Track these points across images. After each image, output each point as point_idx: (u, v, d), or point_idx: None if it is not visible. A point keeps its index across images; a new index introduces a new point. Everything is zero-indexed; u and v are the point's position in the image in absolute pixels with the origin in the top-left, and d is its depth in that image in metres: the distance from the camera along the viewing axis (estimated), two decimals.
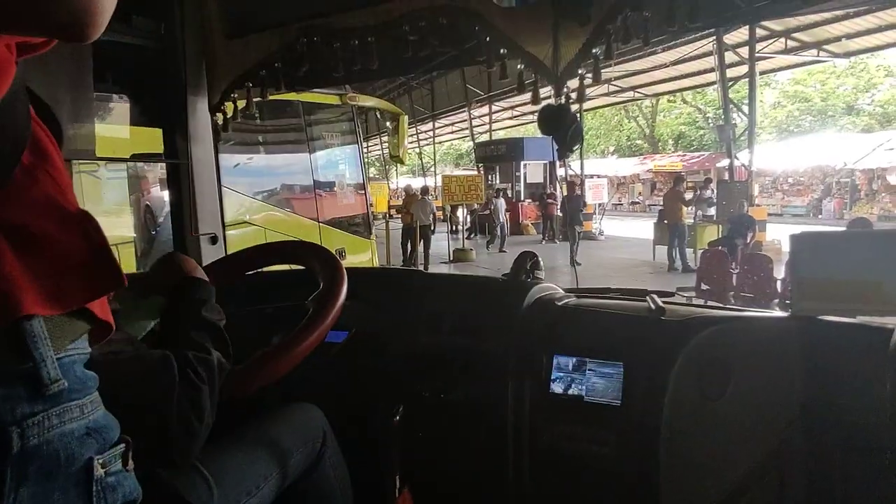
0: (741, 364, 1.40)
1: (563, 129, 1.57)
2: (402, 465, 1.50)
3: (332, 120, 6.69)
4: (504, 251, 15.75)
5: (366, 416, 1.56)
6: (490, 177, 22.62)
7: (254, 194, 5.60)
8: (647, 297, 1.57)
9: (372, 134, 20.37)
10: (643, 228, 12.89)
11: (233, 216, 5.17)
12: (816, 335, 1.41)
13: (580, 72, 1.56)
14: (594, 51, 1.53)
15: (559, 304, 1.65)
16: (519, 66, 1.64)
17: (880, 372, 1.30)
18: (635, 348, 1.43)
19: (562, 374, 1.49)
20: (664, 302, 1.56)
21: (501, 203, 17.71)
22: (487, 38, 1.65)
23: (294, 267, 1.57)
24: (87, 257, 0.64)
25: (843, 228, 8.14)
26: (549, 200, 18.32)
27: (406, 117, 7.88)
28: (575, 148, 1.62)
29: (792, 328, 1.44)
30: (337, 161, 6.89)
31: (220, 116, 2.08)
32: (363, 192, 7.44)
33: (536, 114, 1.65)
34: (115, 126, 3.19)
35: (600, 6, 1.48)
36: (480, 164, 23.13)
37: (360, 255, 6.94)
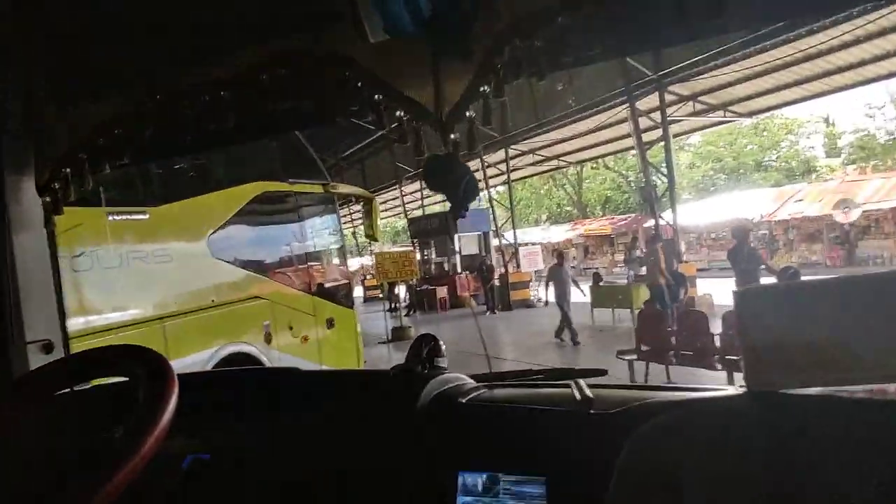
0: (695, 464, 1.10)
1: (454, 182, 1.30)
2: None
3: (317, 205, 7.54)
4: (578, 343, 11.25)
5: None
6: (426, 251, 22.54)
7: (262, 273, 6.32)
8: (572, 384, 1.28)
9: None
10: (580, 292, 12.85)
11: (246, 292, 5.94)
12: (780, 416, 1.13)
13: (469, 114, 1.31)
14: (482, 89, 1.29)
15: (464, 400, 1.34)
16: (398, 114, 1.38)
17: (863, 456, 1.02)
18: (560, 455, 1.14)
19: (470, 499, 1.15)
20: (593, 385, 1.27)
21: (566, 272, 12.15)
22: (359, 84, 1.39)
23: None
24: None
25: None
26: (487, 272, 18.28)
27: (377, 200, 8.79)
28: (470, 204, 1.34)
29: (750, 410, 1.16)
30: (323, 242, 7.68)
31: (52, 197, 1.72)
32: (345, 267, 8.34)
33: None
34: None
35: (483, 37, 1.25)
36: (415, 240, 23.06)
37: (348, 324, 7.62)
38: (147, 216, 4.89)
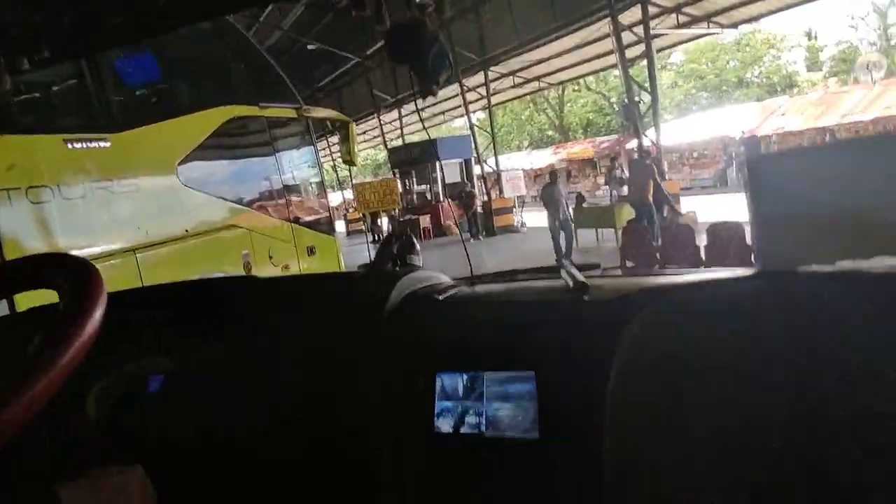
0: (705, 351, 0.97)
1: (421, 52, 1.13)
2: None
3: (291, 130, 7.32)
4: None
5: None
6: (407, 181, 22.23)
7: (237, 201, 6.13)
8: (562, 272, 1.15)
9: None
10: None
11: (222, 222, 5.75)
12: (798, 296, 1.00)
13: None
14: None
15: (441, 297, 1.21)
16: None
17: (890, 333, 0.91)
18: (552, 347, 1.00)
19: (449, 404, 1.03)
20: (588, 276, 1.14)
21: (560, 191, 11.77)
22: None
23: None
24: None
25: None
26: (469, 195, 18.16)
27: (353, 124, 8.42)
28: (442, 79, 1.18)
29: (765, 290, 1.04)
30: (299, 167, 7.50)
31: None
32: (323, 194, 8.16)
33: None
34: None
35: None
36: (396, 170, 22.70)
37: (328, 251, 7.56)
38: (108, 143, 4.63)
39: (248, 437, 1.12)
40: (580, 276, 1.09)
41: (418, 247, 1.35)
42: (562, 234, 11.39)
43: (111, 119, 4.85)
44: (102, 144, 4.60)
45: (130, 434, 1.19)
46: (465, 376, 1.03)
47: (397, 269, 1.31)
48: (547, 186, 12.02)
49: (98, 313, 0.85)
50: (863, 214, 0.94)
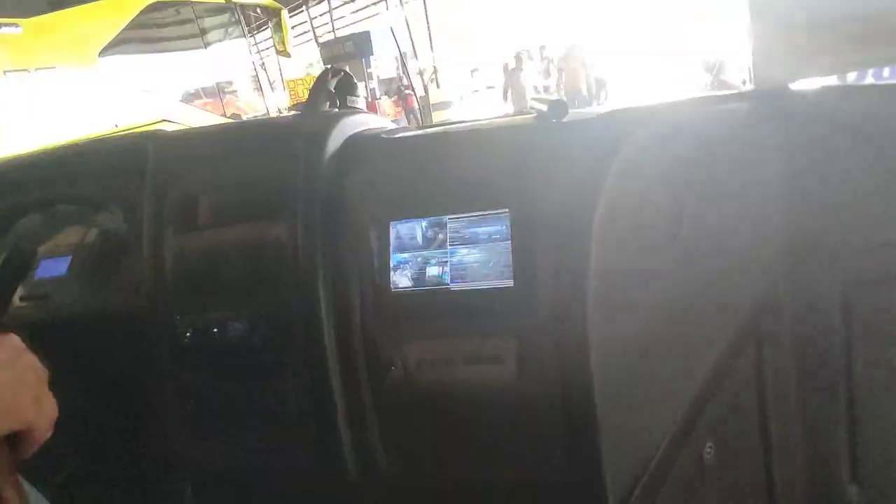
0: (700, 165, 0.92)
1: None
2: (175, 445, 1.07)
3: (220, 21, 7.15)
4: None
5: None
6: None
7: (168, 95, 5.92)
8: (534, 102, 1.07)
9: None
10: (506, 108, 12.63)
11: (154, 115, 5.46)
12: (792, 113, 0.95)
13: None
14: None
15: (389, 137, 1.11)
16: None
17: (878, 142, 0.90)
18: (526, 181, 0.88)
19: (407, 256, 0.90)
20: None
21: (528, 76, 11.34)
22: None
23: None
24: None
25: None
26: (408, 92, 17.63)
27: (285, 11, 8.38)
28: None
29: (758, 108, 0.96)
30: (232, 62, 7.43)
31: None
32: (257, 86, 8.25)
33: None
34: None
35: None
36: (329, 67, 21.71)
37: None
38: (20, 29, 4.29)
39: (177, 311, 1.04)
40: (555, 97, 1.07)
41: (360, 88, 1.27)
42: None
43: (20, 3, 4.47)
44: (13, 30, 4.25)
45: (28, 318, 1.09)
46: (423, 222, 0.92)
47: (336, 110, 1.19)
48: (513, 72, 11.34)
49: None
50: (881, 14, 0.89)
